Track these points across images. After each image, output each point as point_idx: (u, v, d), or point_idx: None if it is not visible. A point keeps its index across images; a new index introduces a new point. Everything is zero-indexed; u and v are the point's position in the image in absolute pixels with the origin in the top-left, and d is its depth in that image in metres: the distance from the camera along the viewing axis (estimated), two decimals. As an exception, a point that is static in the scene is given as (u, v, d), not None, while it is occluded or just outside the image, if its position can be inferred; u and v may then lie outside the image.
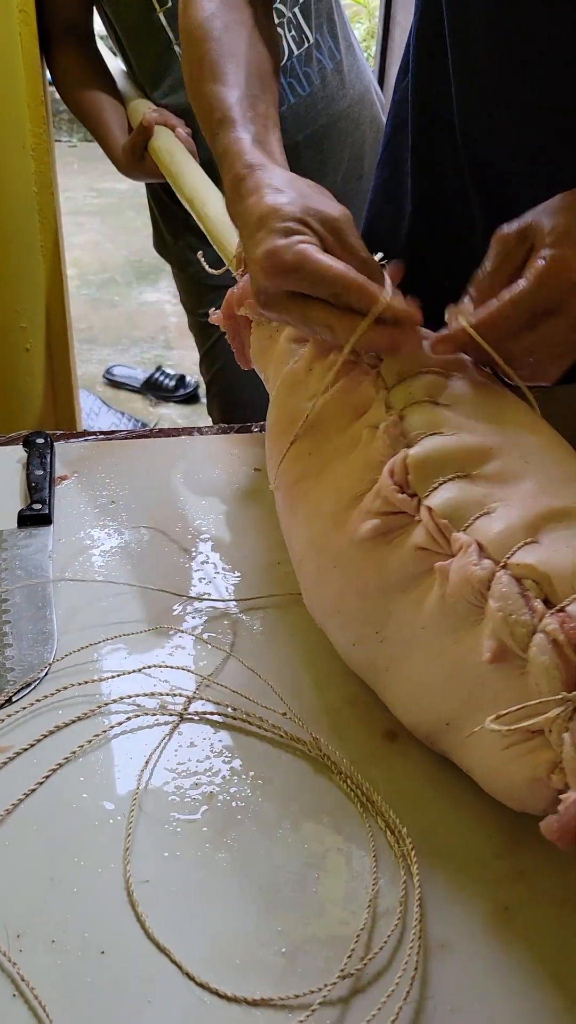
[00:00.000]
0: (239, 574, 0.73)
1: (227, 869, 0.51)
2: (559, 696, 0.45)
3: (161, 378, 2.85)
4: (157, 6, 1.19)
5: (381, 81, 2.52)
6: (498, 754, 0.50)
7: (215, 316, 0.82)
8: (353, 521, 0.57)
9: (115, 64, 1.34)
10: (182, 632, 0.67)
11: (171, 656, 0.64)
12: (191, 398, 2.82)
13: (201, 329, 1.41)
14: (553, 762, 0.47)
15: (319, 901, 0.49)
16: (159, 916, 0.48)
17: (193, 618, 0.68)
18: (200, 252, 0.91)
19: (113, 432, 0.89)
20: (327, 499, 0.60)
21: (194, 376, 2.84)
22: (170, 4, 1.18)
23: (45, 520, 0.76)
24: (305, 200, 0.61)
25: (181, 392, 2.82)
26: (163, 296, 3.56)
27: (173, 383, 2.84)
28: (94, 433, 0.89)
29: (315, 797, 0.55)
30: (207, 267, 0.86)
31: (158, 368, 2.89)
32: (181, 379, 2.85)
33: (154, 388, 2.85)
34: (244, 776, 0.56)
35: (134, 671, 0.62)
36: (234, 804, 0.54)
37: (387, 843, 0.52)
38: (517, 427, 0.57)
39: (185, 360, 3.06)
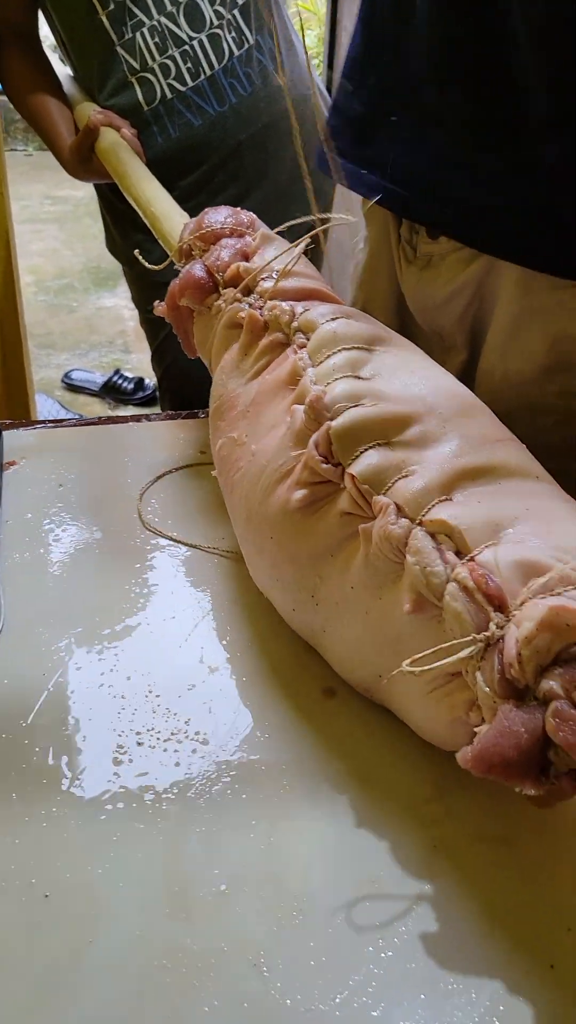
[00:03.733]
0: (187, 551, 0.76)
1: (168, 814, 0.53)
2: (469, 637, 0.48)
3: (120, 381, 2.86)
4: (100, 8, 1.22)
5: (329, 82, 2.57)
6: (423, 698, 0.53)
7: (159, 308, 0.85)
8: (284, 493, 0.60)
9: (62, 67, 1.37)
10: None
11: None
12: (150, 400, 2.84)
13: (151, 326, 1.43)
14: (471, 701, 0.50)
15: (266, 840, 0.52)
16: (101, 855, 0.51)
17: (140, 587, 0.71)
18: (137, 250, 0.93)
19: (62, 420, 0.92)
20: (261, 475, 0.63)
21: (153, 379, 2.86)
22: (112, 7, 1.21)
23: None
24: None
25: (140, 395, 2.84)
26: (121, 301, 3.58)
27: (131, 386, 2.86)
28: (43, 422, 0.91)
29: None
30: (145, 263, 0.89)
31: (116, 371, 2.90)
32: (139, 382, 2.87)
33: (113, 391, 2.86)
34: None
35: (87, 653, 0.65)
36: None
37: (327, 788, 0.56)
38: (438, 395, 0.61)
39: (143, 363, 3.07)
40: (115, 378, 2.86)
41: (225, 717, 0.60)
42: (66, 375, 2.94)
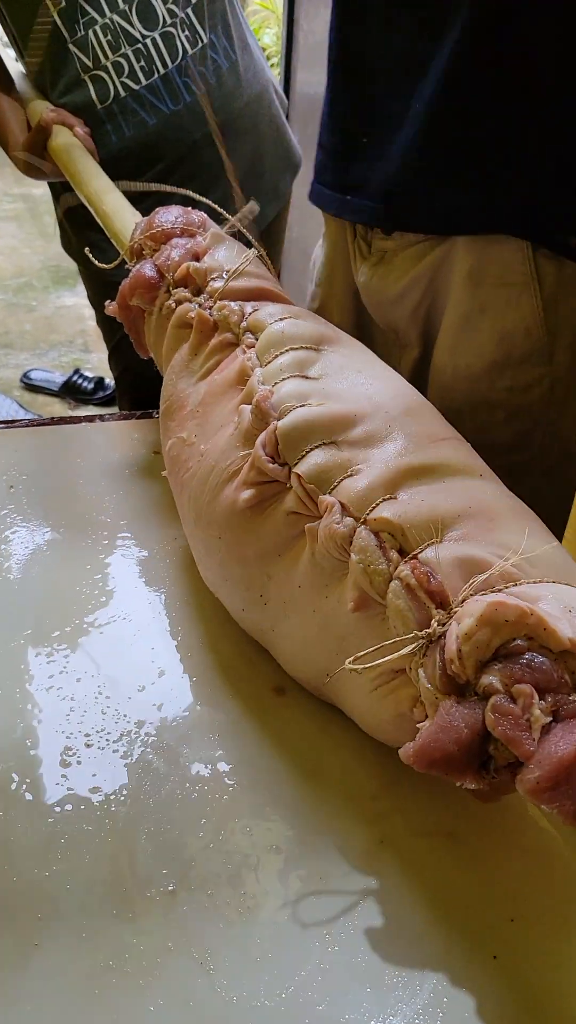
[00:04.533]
0: (140, 552, 0.76)
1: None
2: (411, 635, 0.49)
3: (80, 381, 2.84)
4: (51, 6, 1.21)
5: (288, 82, 2.57)
6: (369, 696, 0.54)
7: (110, 307, 0.85)
8: (231, 493, 0.60)
9: (14, 65, 1.35)
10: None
11: (68, 631, 0.67)
12: (111, 400, 2.82)
13: (107, 325, 1.43)
14: (414, 697, 0.51)
15: (214, 839, 0.52)
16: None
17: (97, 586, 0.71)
18: (87, 248, 0.93)
19: (13, 421, 0.91)
20: (210, 475, 0.63)
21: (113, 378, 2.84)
22: (64, 4, 1.20)
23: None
24: None
25: (100, 394, 2.82)
26: (81, 300, 3.55)
27: (92, 385, 2.84)
28: (-6, 424, 0.91)
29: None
30: (96, 262, 0.88)
31: (76, 371, 2.88)
32: (100, 381, 2.85)
33: (73, 391, 2.84)
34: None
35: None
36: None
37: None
38: (384, 394, 0.61)
39: (104, 363, 3.05)
40: (75, 378, 2.84)
41: (175, 717, 0.60)
42: (25, 375, 2.91)
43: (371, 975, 0.47)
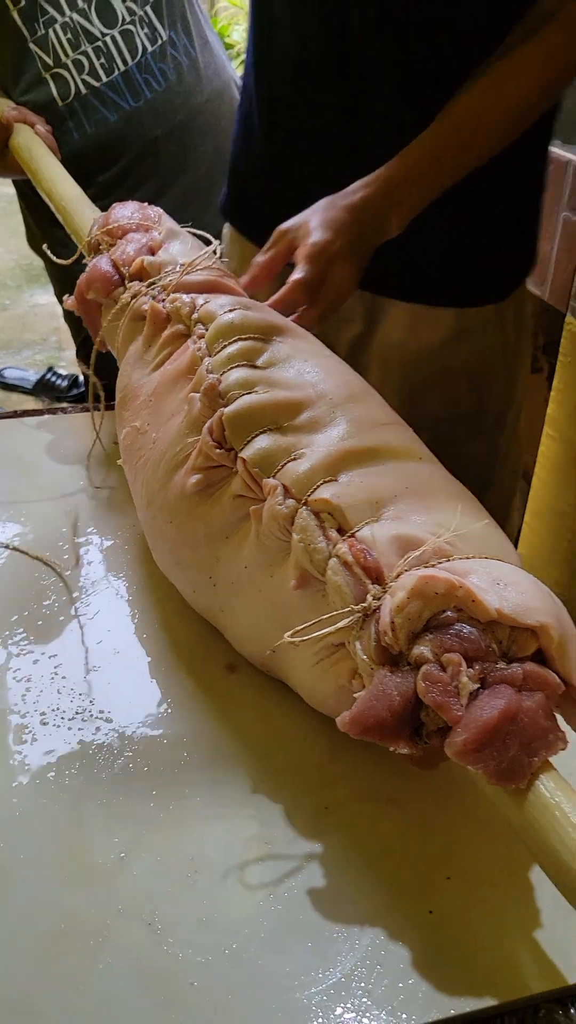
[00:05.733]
0: (104, 539, 0.78)
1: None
2: (348, 609, 0.51)
3: (53, 379, 2.85)
4: (11, 5, 1.22)
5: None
6: (311, 669, 0.56)
7: (68, 302, 0.87)
8: (180, 478, 0.62)
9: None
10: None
11: (27, 615, 0.69)
12: (84, 397, 2.83)
13: (74, 321, 1.44)
14: (353, 670, 0.53)
15: (165, 808, 0.55)
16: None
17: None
18: (45, 244, 0.95)
19: (-26, 415, 0.93)
20: (161, 462, 0.65)
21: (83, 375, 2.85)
22: (23, 3, 1.21)
23: None
24: None
25: (75, 392, 2.83)
26: (54, 299, 3.55)
27: (66, 383, 2.84)
28: (-44, 417, 0.92)
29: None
30: (54, 258, 0.90)
31: (50, 369, 2.89)
32: (74, 379, 2.85)
33: (47, 389, 2.84)
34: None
35: (-10, 630, 0.67)
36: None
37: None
38: (329, 382, 0.64)
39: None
40: (49, 375, 2.84)
41: (129, 696, 0.62)
42: (-2, 372, 2.91)
43: (312, 931, 0.49)
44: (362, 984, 0.47)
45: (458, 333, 0.88)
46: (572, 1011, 0.47)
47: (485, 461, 0.95)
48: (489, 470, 0.95)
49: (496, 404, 0.94)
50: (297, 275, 0.74)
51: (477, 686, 0.47)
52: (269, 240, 0.78)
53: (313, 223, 0.75)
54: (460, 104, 0.75)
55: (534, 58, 0.74)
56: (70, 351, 3.16)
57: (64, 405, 0.96)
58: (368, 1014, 0.45)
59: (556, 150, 1.24)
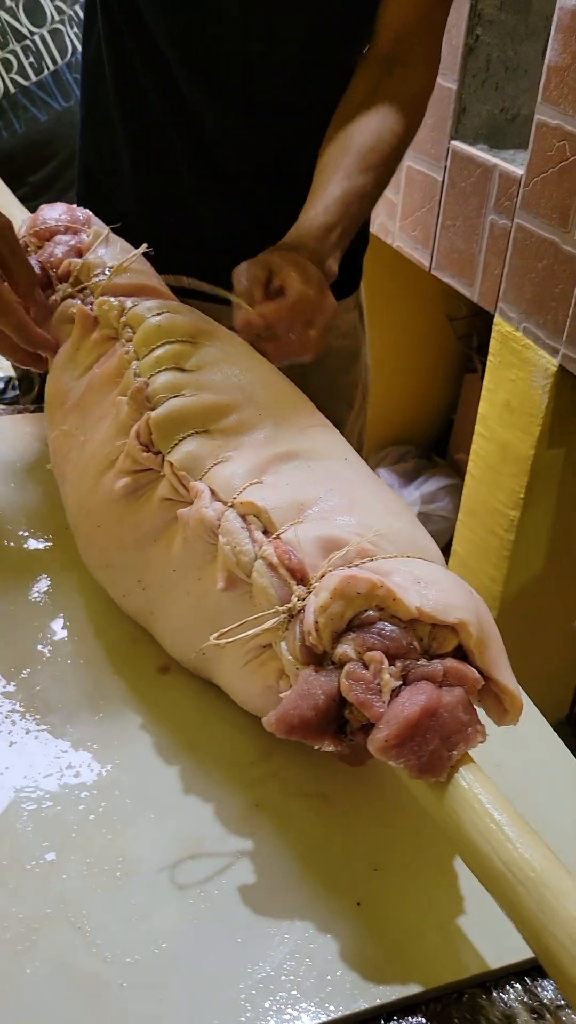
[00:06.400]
0: (33, 541, 0.77)
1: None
2: (273, 610, 0.52)
3: (-12, 379, 2.80)
4: None
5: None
6: (240, 671, 0.57)
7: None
8: (108, 481, 0.63)
9: None
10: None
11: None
12: (19, 400, 2.79)
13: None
14: (280, 670, 0.54)
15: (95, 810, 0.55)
16: None
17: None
18: None
19: None
20: (89, 465, 0.66)
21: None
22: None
23: None
24: None
25: (11, 394, 2.79)
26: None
27: (2, 385, 2.80)
28: None
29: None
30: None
31: (-16, 369, 2.84)
32: (9, 381, 2.81)
33: (-18, 389, 2.79)
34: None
35: None
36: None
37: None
38: (256, 385, 0.64)
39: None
40: (-17, 376, 2.80)
41: (60, 699, 0.62)
42: None
43: (242, 927, 0.50)
44: (291, 977, 0.48)
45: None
46: (495, 994, 0.49)
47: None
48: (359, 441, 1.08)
49: (363, 378, 1.05)
50: (298, 294, 0.72)
51: (399, 683, 0.48)
52: (237, 281, 0.75)
53: (284, 258, 0.75)
54: (352, 143, 0.81)
55: (402, 94, 0.83)
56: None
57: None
58: (297, 1006, 0.46)
59: (482, 155, 1.27)
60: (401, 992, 0.47)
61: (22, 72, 1.24)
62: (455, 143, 1.29)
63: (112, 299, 0.72)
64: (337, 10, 0.82)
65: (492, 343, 1.33)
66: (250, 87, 0.85)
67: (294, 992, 0.47)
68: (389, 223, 1.50)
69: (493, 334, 1.32)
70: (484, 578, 1.38)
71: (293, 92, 0.86)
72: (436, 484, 1.99)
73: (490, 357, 1.34)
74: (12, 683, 0.63)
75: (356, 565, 0.53)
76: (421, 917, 0.51)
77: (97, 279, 0.76)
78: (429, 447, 2.18)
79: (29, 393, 1.33)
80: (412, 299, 1.88)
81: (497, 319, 1.30)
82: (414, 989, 0.48)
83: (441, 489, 1.98)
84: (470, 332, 1.99)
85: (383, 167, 0.82)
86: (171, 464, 0.59)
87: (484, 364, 1.91)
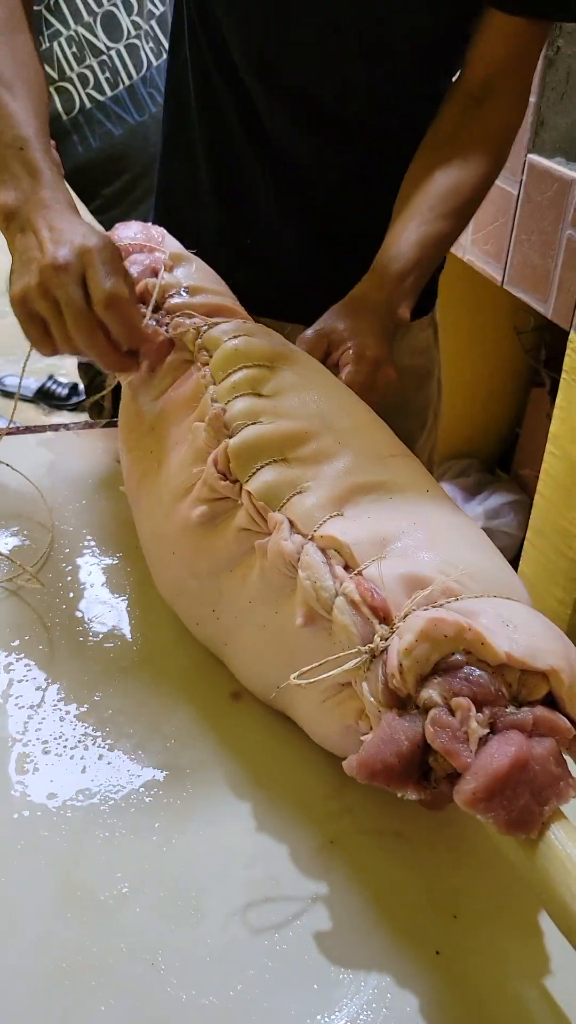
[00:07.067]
0: (107, 561, 0.77)
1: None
2: (355, 649, 0.51)
3: (53, 387, 2.85)
4: None
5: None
6: (317, 707, 0.56)
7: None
8: (184, 509, 0.62)
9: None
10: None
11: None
12: (83, 406, 2.83)
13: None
14: (359, 710, 0.53)
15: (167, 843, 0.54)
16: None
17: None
18: None
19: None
20: (164, 491, 0.65)
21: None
22: (29, 17, 1.21)
23: None
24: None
25: (75, 400, 2.83)
26: (54, 302, 3.54)
27: (66, 391, 2.84)
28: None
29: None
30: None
31: (50, 377, 2.89)
32: (74, 387, 2.85)
33: (47, 397, 2.84)
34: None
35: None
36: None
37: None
38: (335, 413, 0.63)
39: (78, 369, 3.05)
40: (49, 383, 2.84)
41: (131, 723, 0.62)
42: (-1, 380, 2.90)
43: (317, 972, 0.49)
44: (368, 1028, 0.46)
45: (400, 337, 0.94)
46: (578, 1056, 0.47)
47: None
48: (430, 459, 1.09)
49: (435, 397, 1.04)
50: (349, 377, 0.73)
51: (487, 731, 0.47)
52: (301, 345, 0.76)
53: (346, 330, 0.76)
54: (433, 186, 0.80)
55: (488, 134, 0.81)
56: (71, 359, 3.15)
57: (67, 423, 0.95)
58: (373, 1060, 0.45)
59: (560, 168, 1.24)
60: (482, 1051, 0.46)
61: (98, 87, 1.25)
62: (532, 156, 1.26)
63: (187, 320, 0.72)
64: (429, 41, 0.80)
65: (567, 360, 1.30)
66: (334, 115, 0.84)
67: (371, 1044, 0.46)
68: (461, 237, 1.48)
69: (568, 352, 1.29)
70: (552, 601, 1.35)
71: (378, 121, 0.85)
72: (500, 499, 1.96)
73: (564, 375, 1.31)
74: (85, 705, 0.63)
75: (441, 605, 0.51)
76: (503, 972, 0.49)
77: (173, 300, 0.75)
78: (492, 461, 2.14)
79: (97, 408, 1.34)
80: (479, 312, 1.85)
81: (572, 335, 1.27)
82: (495, 1049, 0.46)
83: (505, 504, 1.94)
84: (538, 345, 1.95)
85: (463, 212, 0.82)
86: (249, 494, 0.58)
87: (552, 378, 1.87)
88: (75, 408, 2.82)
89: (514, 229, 1.33)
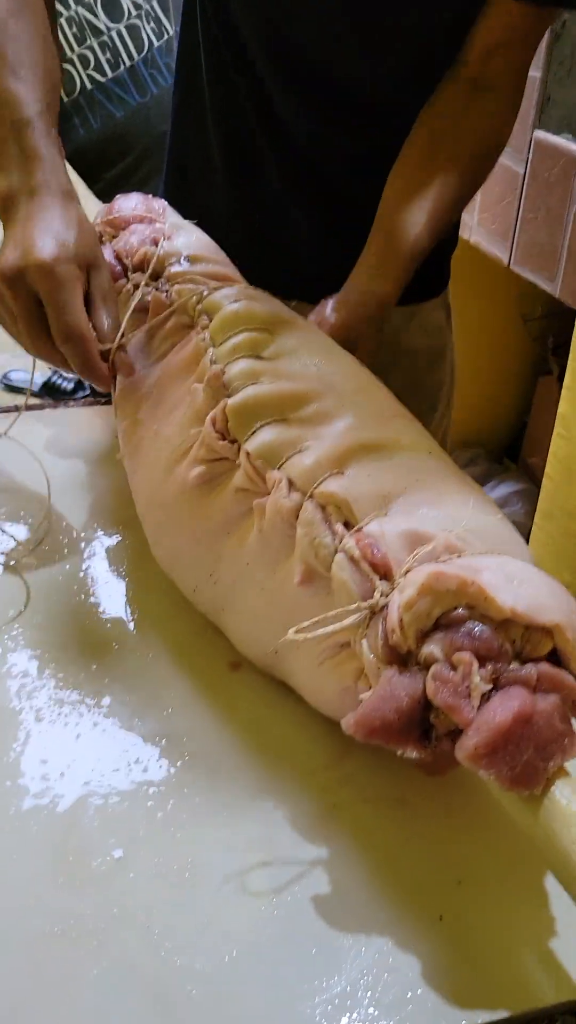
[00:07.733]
0: (99, 532, 0.76)
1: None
2: (354, 606, 0.49)
3: (59, 380, 2.84)
4: (17, 0, 1.21)
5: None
6: (315, 670, 0.55)
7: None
8: (182, 470, 0.61)
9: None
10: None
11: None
12: (89, 400, 2.82)
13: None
14: (358, 670, 0.52)
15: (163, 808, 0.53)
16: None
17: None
18: None
19: (-24, 409, 0.91)
20: (161, 454, 0.64)
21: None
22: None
23: None
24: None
25: (80, 394, 2.82)
26: (60, 298, 3.54)
27: (72, 385, 2.83)
28: (-43, 411, 0.91)
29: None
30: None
31: (55, 371, 2.88)
32: (80, 381, 2.84)
33: (53, 391, 2.83)
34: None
35: None
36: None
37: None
38: (336, 375, 0.62)
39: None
40: (54, 378, 2.83)
41: (129, 692, 0.61)
42: (4, 376, 2.90)
43: (316, 938, 0.47)
44: (369, 993, 0.45)
45: (411, 316, 0.95)
46: (586, 1023, 0.46)
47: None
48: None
49: (447, 380, 1.04)
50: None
51: (489, 687, 0.45)
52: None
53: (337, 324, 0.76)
54: (425, 193, 0.79)
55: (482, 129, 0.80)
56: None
57: (67, 400, 0.94)
58: (374, 1025, 0.44)
59: (567, 144, 1.22)
60: (488, 1016, 0.44)
61: (99, 68, 1.24)
62: (539, 133, 1.25)
63: (188, 286, 0.71)
64: (441, 24, 0.79)
65: (575, 340, 1.28)
66: (344, 97, 0.83)
67: (372, 1010, 0.44)
68: (466, 217, 1.46)
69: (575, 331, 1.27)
70: (560, 582, 1.33)
71: (389, 103, 0.83)
72: (508, 488, 1.94)
73: (572, 355, 1.29)
74: (81, 674, 0.62)
75: (443, 561, 0.50)
76: (509, 936, 0.48)
77: (173, 268, 0.74)
78: (500, 450, 2.12)
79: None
80: (485, 299, 1.83)
81: (579, 316, 1.26)
82: (501, 1014, 0.45)
83: (513, 494, 1.93)
84: (545, 333, 1.93)
85: (451, 211, 0.81)
86: (247, 453, 0.57)
87: (560, 367, 1.85)
88: (81, 402, 2.82)
89: (520, 208, 1.31)
